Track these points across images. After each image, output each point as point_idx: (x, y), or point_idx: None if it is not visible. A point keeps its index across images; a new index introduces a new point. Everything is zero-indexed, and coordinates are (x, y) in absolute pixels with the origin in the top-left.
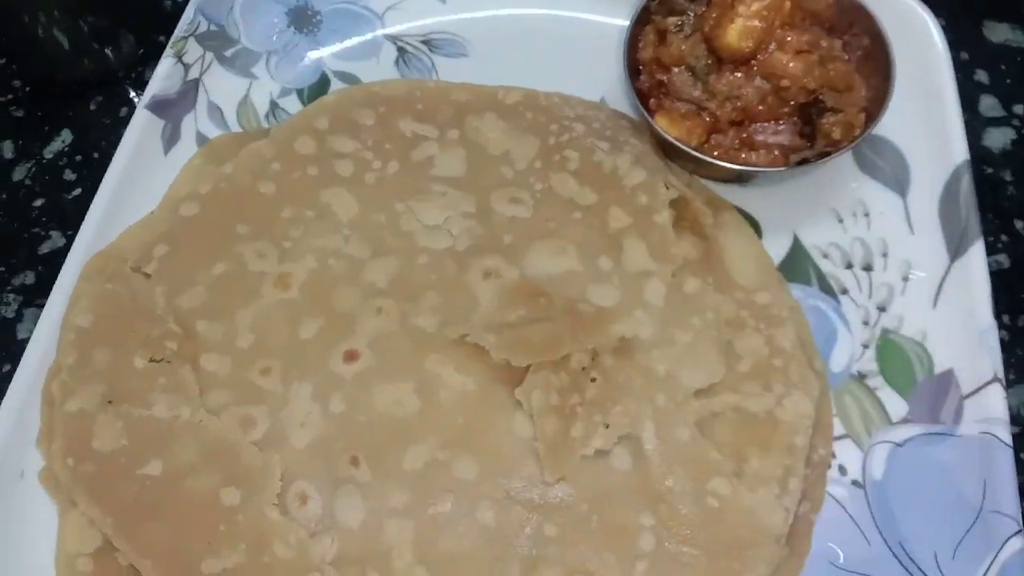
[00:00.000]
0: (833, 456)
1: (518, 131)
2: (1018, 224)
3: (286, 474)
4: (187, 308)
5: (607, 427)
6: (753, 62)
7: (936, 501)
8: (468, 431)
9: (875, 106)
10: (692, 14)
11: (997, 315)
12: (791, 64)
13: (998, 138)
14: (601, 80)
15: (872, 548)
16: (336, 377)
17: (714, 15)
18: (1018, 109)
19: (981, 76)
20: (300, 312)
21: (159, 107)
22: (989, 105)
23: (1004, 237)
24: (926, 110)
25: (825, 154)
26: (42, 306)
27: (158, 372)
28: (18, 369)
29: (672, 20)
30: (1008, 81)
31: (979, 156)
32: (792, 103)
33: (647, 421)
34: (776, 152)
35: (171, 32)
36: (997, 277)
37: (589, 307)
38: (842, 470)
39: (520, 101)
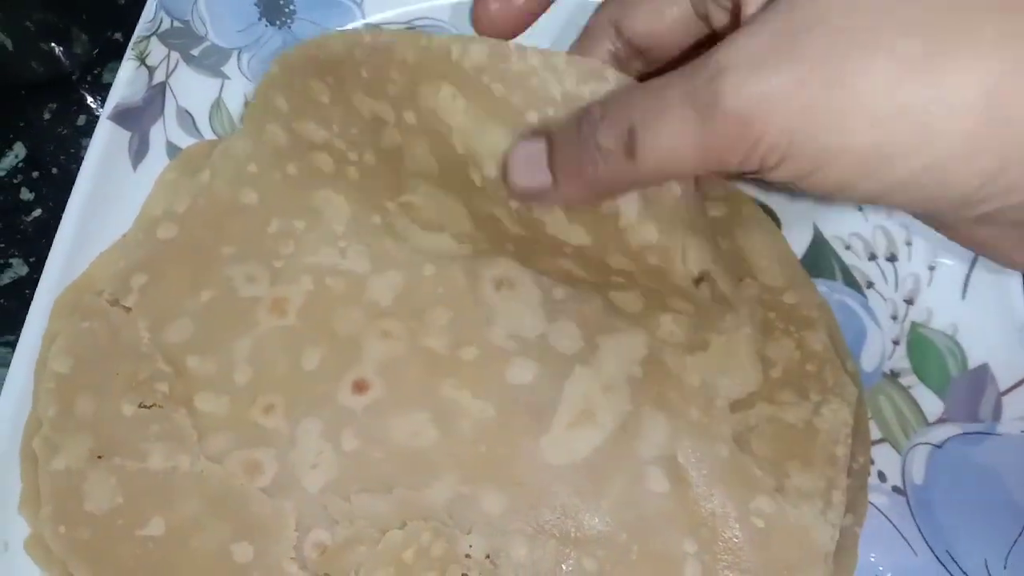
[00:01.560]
0: (872, 462)
1: (482, 117)
2: None
3: (301, 522)
4: (175, 343)
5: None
6: None
7: (982, 505)
8: (491, 461)
9: None
10: None
11: None
12: None
13: None
14: None
15: (919, 558)
16: (346, 411)
17: None
18: None
19: None
20: (300, 340)
21: (123, 117)
22: None
23: None
24: None
25: None
26: (8, 344)
27: (150, 418)
28: None
29: None
30: None
31: None
32: None
33: (683, 438)
34: None
35: (127, 29)
36: None
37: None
38: (881, 476)
39: (483, 65)
